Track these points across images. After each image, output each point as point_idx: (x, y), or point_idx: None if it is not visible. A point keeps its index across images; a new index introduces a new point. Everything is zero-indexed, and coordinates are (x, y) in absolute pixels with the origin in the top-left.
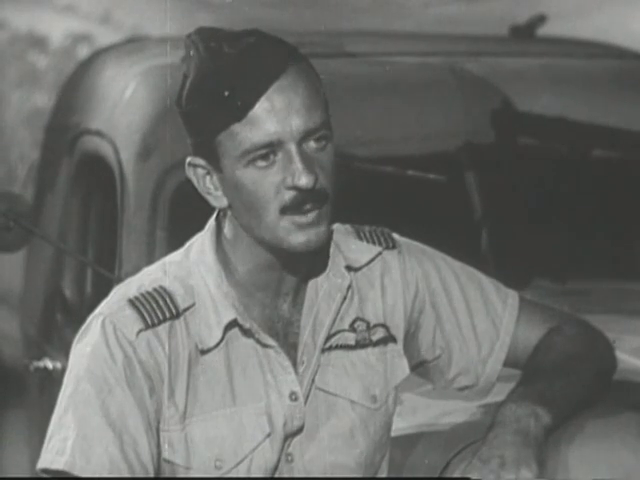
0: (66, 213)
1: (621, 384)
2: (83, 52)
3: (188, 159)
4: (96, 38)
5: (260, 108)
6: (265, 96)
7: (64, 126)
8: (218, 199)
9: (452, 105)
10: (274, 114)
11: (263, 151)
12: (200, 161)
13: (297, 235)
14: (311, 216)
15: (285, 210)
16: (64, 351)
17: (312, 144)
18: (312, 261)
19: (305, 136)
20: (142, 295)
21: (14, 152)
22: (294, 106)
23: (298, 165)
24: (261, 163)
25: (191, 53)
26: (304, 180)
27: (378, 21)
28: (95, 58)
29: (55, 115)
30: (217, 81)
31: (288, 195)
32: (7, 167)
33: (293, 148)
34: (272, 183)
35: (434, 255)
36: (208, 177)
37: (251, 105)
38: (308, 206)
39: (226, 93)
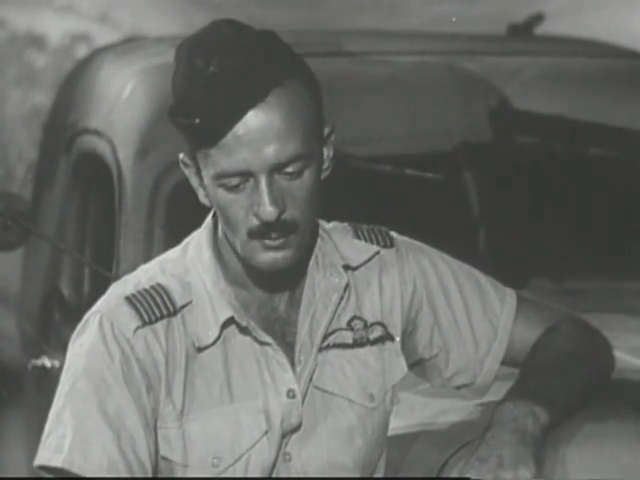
0: (64, 212)
1: (619, 383)
2: (82, 51)
3: (181, 155)
4: (94, 37)
5: (233, 135)
6: (239, 123)
7: (62, 125)
8: (205, 198)
9: (450, 104)
10: (246, 143)
11: (234, 178)
12: (189, 162)
13: (263, 255)
14: (278, 241)
15: (252, 235)
16: (62, 349)
17: (286, 173)
18: (283, 279)
19: (276, 168)
20: (139, 292)
21: (13, 151)
22: (268, 136)
23: (264, 197)
24: (231, 187)
25: (176, 68)
26: (267, 213)
27: (376, 20)
28: (93, 57)
29: (53, 114)
30: (193, 106)
31: (254, 222)
32: (6, 166)
33: (262, 179)
34: (241, 206)
35: (432, 254)
36: (197, 177)
37: (223, 135)
38: (273, 235)
39: (197, 121)
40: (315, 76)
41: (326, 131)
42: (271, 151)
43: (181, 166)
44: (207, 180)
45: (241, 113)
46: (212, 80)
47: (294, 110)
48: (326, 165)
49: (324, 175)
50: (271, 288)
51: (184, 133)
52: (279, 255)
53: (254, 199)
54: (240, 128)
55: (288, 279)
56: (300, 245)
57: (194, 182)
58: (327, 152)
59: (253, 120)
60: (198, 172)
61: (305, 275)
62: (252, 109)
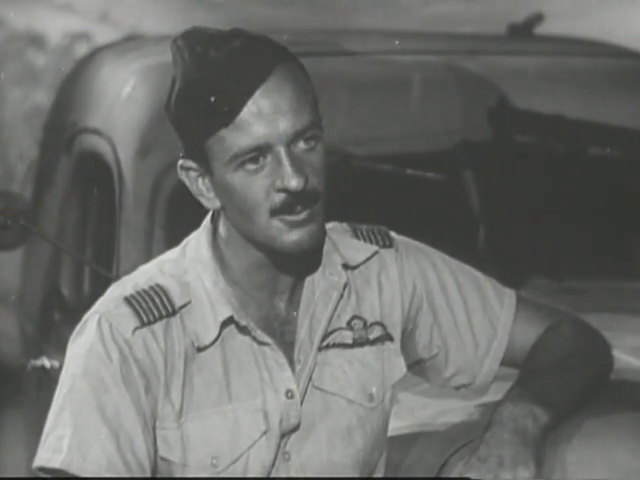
0: (64, 211)
1: (619, 383)
2: (81, 50)
3: (180, 162)
4: (94, 36)
5: (247, 112)
6: (252, 100)
7: (62, 124)
8: (211, 201)
9: (450, 103)
10: (261, 118)
11: (252, 155)
12: (191, 164)
13: (289, 234)
14: (302, 215)
15: (275, 212)
16: (62, 350)
17: (301, 145)
18: (306, 260)
19: (293, 138)
20: (138, 293)
21: (13, 150)
22: (281, 109)
23: (287, 168)
24: (250, 166)
25: (177, 59)
26: (294, 182)
27: (376, 19)
28: (93, 56)
29: (53, 113)
30: (203, 87)
31: (278, 197)
32: (6, 165)
33: (282, 151)
34: (262, 186)
35: (431, 254)
36: (200, 179)
37: (238, 110)
38: (299, 207)
39: (212, 99)
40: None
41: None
42: (287, 122)
43: (180, 173)
44: (220, 170)
45: (252, 88)
46: (215, 63)
47: (299, 82)
48: None
49: None
50: (270, 287)
51: (195, 122)
52: (305, 231)
53: (276, 175)
54: (253, 105)
55: (288, 280)
56: (321, 218)
57: (197, 187)
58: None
59: (265, 95)
60: (205, 171)
61: (305, 274)
62: (262, 84)
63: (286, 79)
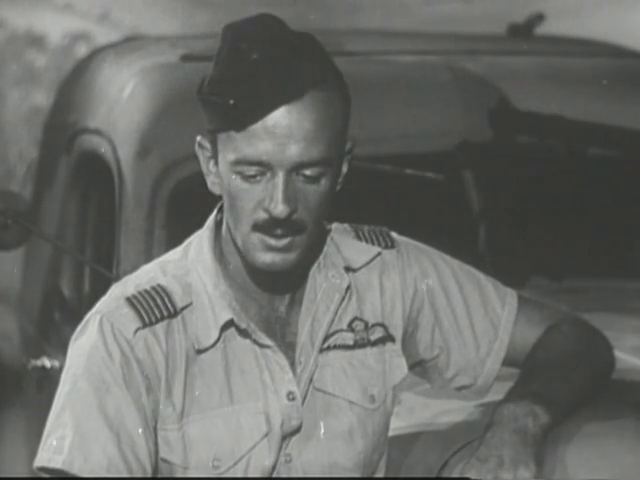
0: (64, 211)
1: (620, 383)
2: (81, 51)
3: (199, 138)
4: (94, 37)
5: (261, 125)
6: (271, 115)
7: (62, 125)
8: (214, 185)
9: (450, 104)
10: (272, 137)
11: (252, 167)
12: (207, 144)
13: (263, 254)
14: (282, 242)
15: (256, 228)
16: (62, 350)
17: (304, 175)
18: (283, 280)
19: (296, 167)
20: (140, 293)
21: (13, 150)
22: (295, 135)
23: (278, 194)
24: (247, 176)
25: (221, 46)
26: (278, 210)
27: (376, 20)
28: (94, 57)
29: (53, 114)
30: (229, 87)
31: (262, 216)
32: (6, 165)
33: (280, 175)
34: (253, 199)
35: (433, 254)
36: (212, 161)
37: (253, 121)
38: (279, 232)
39: (231, 102)
40: (348, 89)
41: (347, 146)
42: (295, 150)
43: (196, 149)
44: (223, 165)
45: (275, 105)
46: (253, 67)
47: (326, 115)
48: (340, 180)
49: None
50: (271, 288)
51: (212, 113)
52: (279, 257)
53: (267, 194)
54: (270, 120)
55: (288, 280)
56: (304, 248)
57: (206, 167)
58: (344, 168)
59: (285, 115)
60: (213, 156)
61: (306, 277)
62: (286, 104)
63: (314, 106)
